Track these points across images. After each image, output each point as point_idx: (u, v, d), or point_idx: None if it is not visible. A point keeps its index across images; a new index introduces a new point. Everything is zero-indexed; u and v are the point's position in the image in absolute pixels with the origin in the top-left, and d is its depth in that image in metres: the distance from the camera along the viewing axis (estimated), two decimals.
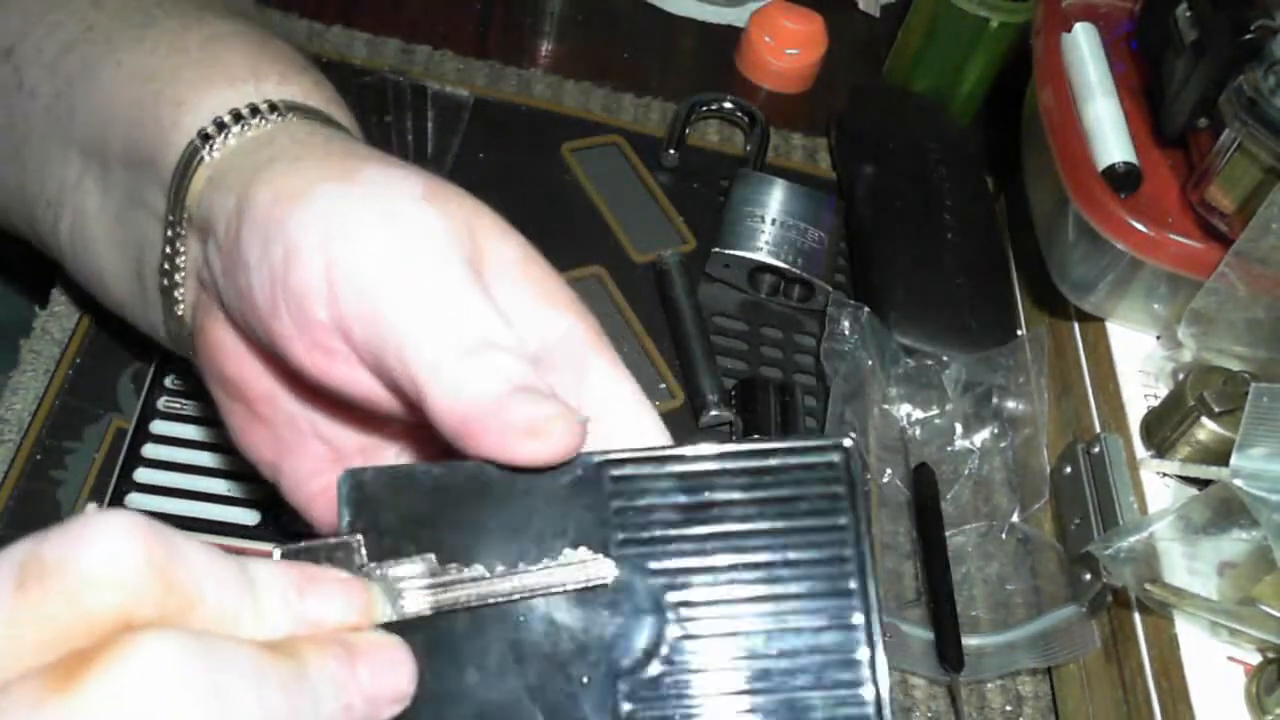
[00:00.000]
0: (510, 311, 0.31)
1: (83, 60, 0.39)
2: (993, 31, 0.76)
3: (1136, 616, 0.52)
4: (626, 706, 0.28)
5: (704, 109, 0.77)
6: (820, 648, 0.28)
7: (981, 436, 0.64)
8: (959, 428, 0.64)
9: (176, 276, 0.37)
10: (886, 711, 0.28)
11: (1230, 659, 0.49)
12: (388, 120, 0.69)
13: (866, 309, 0.65)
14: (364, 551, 0.27)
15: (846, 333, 0.64)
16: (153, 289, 0.38)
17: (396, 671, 0.26)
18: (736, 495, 0.28)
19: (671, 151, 0.73)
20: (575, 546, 0.28)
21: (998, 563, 0.59)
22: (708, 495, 0.28)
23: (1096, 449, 0.57)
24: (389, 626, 0.27)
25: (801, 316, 0.68)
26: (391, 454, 0.37)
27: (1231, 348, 0.55)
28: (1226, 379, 0.53)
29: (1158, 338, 0.60)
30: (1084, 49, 0.63)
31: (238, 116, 0.35)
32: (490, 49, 0.78)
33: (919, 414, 0.64)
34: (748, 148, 0.75)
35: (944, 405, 0.64)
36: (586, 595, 0.28)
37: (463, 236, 0.32)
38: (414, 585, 0.27)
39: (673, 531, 0.28)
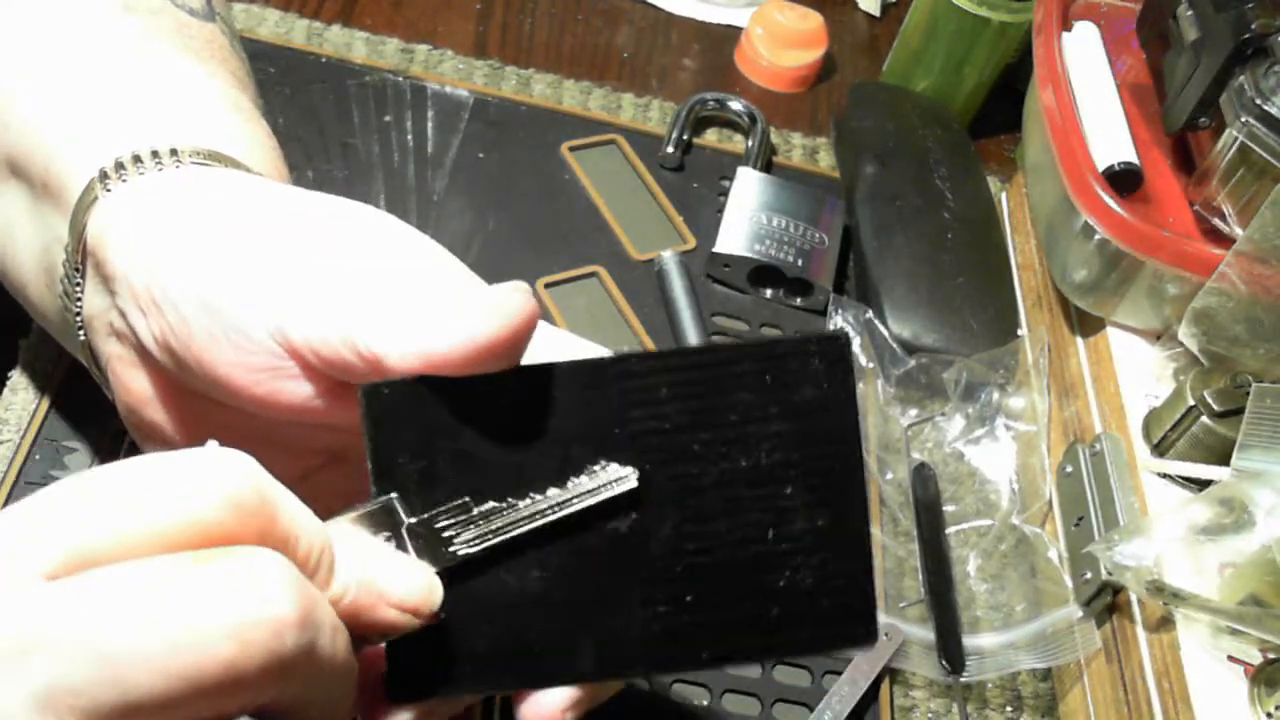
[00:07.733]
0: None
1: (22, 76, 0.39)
2: (993, 31, 0.76)
3: (1137, 616, 0.52)
4: (649, 599, 0.30)
5: (704, 109, 0.77)
6: (820, 541, 0.30)
7: (981, 436, 0.64)
8: (959, 428, 0.64)
9: (76, 305, 0.37)
10: (874, 592, 0.31)
11: (1231, 659, 0.49)
12: (387, 120, 0.69)
13: (867, 309, 0.65)
14: (403, 509, 0.29)
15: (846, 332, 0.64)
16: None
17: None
18: (744, 395, 0.30)
19: (671, 151, 0.73)
20: (591, 449, 0.29)
21: (997, 563, 0.59)
22: (717, 397, 0.30)
23: (1097, 449, 0.57)
24: (446, 573, 0.29)
25: (801, 316, 0.68)
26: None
27: (1231, 348, 0.55)
28: (1226, 379, 0.53)
29: (1158, 338, 0.60)
30: (1084, 49, 0.63)
31: (137, 159, 0.35)
32: (490, 49, 0.78)
33: (919, 414, 0.64)
34: (748, 146, 0.75)
35: (944, 405, 0.64)
36: (607, 504, 0.29)
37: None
38: (457, 531, 0.29)
39: (684, 435, 0.29)
